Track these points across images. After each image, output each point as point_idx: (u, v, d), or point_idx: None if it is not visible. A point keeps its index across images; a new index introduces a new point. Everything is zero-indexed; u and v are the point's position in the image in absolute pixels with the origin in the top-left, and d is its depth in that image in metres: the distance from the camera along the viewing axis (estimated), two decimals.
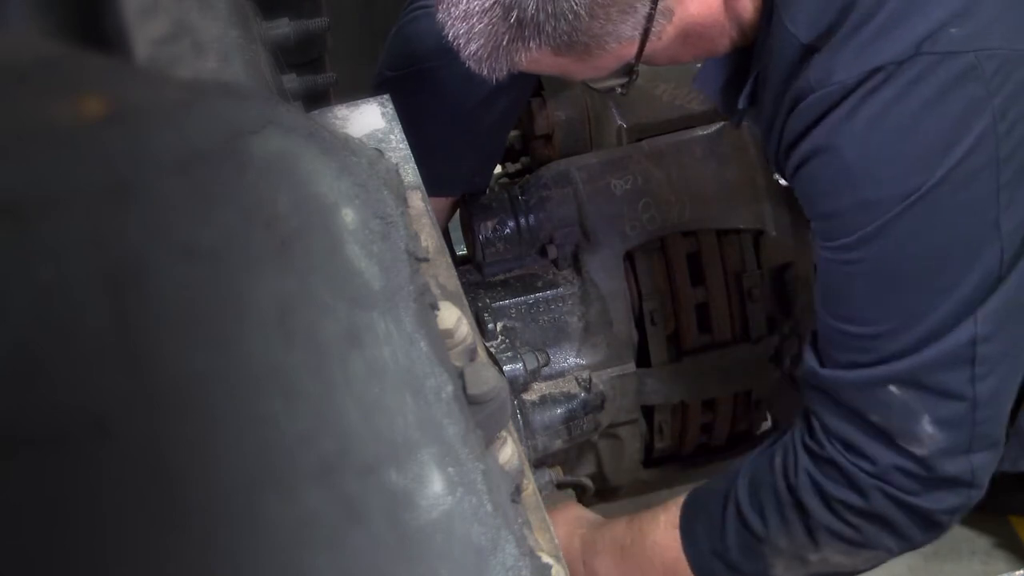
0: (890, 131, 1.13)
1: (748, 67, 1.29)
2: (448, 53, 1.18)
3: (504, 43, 1.13)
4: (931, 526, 1.31)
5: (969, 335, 1.18)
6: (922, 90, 1.11)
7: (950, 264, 1.17)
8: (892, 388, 1.21)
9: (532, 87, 1.79)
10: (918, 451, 1.23)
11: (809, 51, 1.17)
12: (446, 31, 1.15)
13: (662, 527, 1.44)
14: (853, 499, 1.28)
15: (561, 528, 1.52)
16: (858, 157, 1.14)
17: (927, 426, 1.22)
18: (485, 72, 1.17)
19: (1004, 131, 1.11)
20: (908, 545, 1.34)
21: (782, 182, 1.62)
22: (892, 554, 1.36)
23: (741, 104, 1.30)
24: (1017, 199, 1.15)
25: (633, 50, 1.19)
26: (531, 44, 1.13)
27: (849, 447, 1.27)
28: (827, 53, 1.15)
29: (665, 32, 1.20)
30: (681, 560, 1.41)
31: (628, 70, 1.24)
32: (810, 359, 1.29)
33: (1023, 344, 1.23)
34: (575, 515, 1.58)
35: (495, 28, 1.12)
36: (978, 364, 1.19)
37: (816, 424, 1.29)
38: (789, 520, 1.32)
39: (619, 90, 1.30)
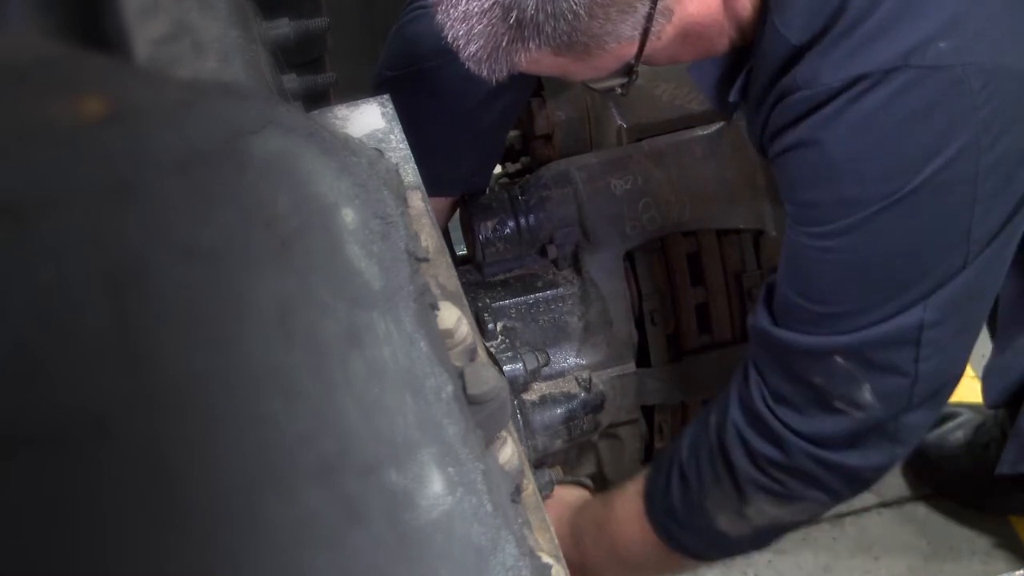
0: (876, 135, 1.15)
1: (742, 64, 1.30)
2: (448, 53, 1.19)
3: (504, 44, 1.13)
4: (857, 480, 1.36)
5: (917, 320, 1.22)
6: (909, 101, 1.13)
7: (916, 263, 1.21)
8: (837, 358, 1.25)
9: (532, 87, 1.79)
10: (855, 414, 1.28)
11: (799, 52, 1.18)
12: (445, 32, 1.16)
13: (630, 496, 1.50)
14: (776, 455, 1.32)
15: (549, 512, 1.54)
16: (843, 155, 1.17)
17: (867, 395, 1.26)
18: (485, 73, 1.17)
19: (987, 144, 1.14)
20: (838, 498, 1.38)
21: None
22: (826, 506, 1.41)
23: (732, 97, 1.32)
24: (992, 211, 1.18)
25: (633, 50, 1.20)
26: (531, 45, 1.14)
27: (780, 400, 1.31)
28: (816, 55, 1.17)
29: (664, 32, 1.20)
30: (645, 524, 1.47)
31: (628, 70, 1.24)
32: (763, 316, 1.32)
33: (971, 329, 1.29)
34: (558, 500, 1.61)
35: (494, 29, 1.12)
36: (923, 346, 1.23)
37: (753, 376, 1.33)
38: (719, 474, 1.37)
39: (619, 90, 1.31)
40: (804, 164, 1.20)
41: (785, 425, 1.31)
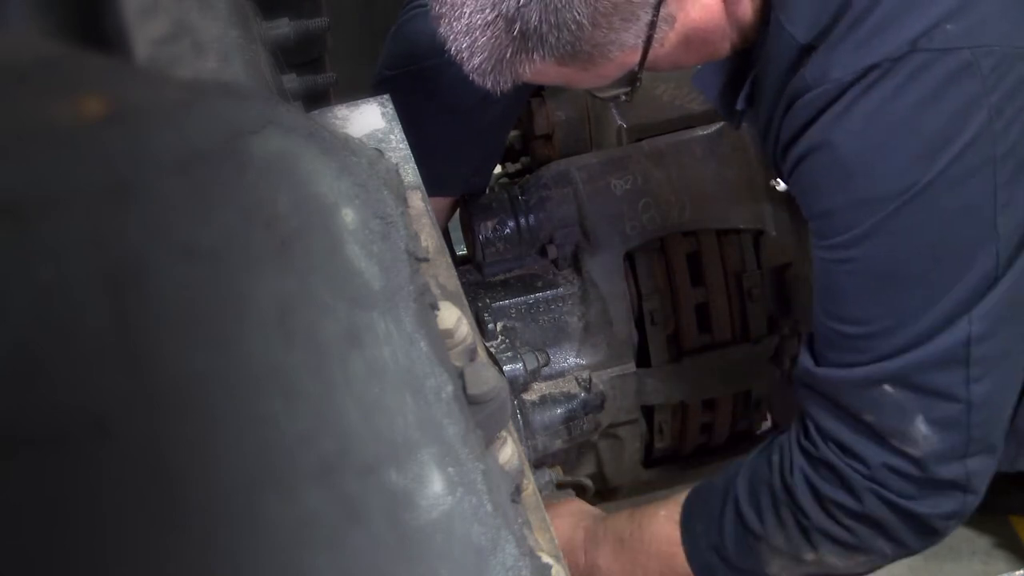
0: (886, 127, 1.13)
1: (746, 69, 1.29)
2: (446, 52, 1.18)
3: (508, 56, 1.13)
4: (926, 531, 1.30)
5: (964, 335, 1.17)
6: (918, 86, 1.11)
7: (945, 263, 1.16)
8: (886, 387, 1.21)
9: (532, 87, 1.79)
10: (912, 452, 1.23)
11: (807, 51, 1.17)
12: (448, 45, 1.15)
13: (661, 521, 1.45)
14: (847, 501, 1.27)
15: (564, 520, 1.53)
16: (854, 152, 1.14)
17: (921, 426, 1.21)
18: (489, 85, 1.16)
19: (1001, 128, 1.11)
20: (903, 550, 1.33)
21: (780, 187, 1.62)
22: (887, 559, 1.35)
23: (740, 105, 1.30)
24: (1015, 198, 1.14)
25: (636, 57, 1.19)
26: (535, 56, 1.13)
27: (843, 448, 1.26)
28: (824, 51, 1.15)
29: (667, 38, 1.20)
30: (678, 554, 1.41)
31: (632, 78, 1.24)
32: (805, 359, 1.29)
33: (1020, 346, 1.23)
34: (578, 508, 1.58)
35: (498, 41, 1.12)
36: (972, 365, 1.18)
37: (810, 424, 1.29)
38: (784, 520, 1.32)
39: (623, 97, 1.30)
40: (816, 171, 1.18)
41: (854, 470, 1.26)
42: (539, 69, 1.16)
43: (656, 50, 1.19)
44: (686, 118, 1.77)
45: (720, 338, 1.71)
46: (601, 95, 1.31)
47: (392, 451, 0.51)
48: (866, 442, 1.25)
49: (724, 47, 1.28)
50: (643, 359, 1.70)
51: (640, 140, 1.77)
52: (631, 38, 1.16)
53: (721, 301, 1.69)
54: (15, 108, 0.53)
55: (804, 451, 1.30)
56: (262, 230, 0.52)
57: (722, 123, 1.72)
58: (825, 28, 1.15)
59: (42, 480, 0.46)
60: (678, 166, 1.69)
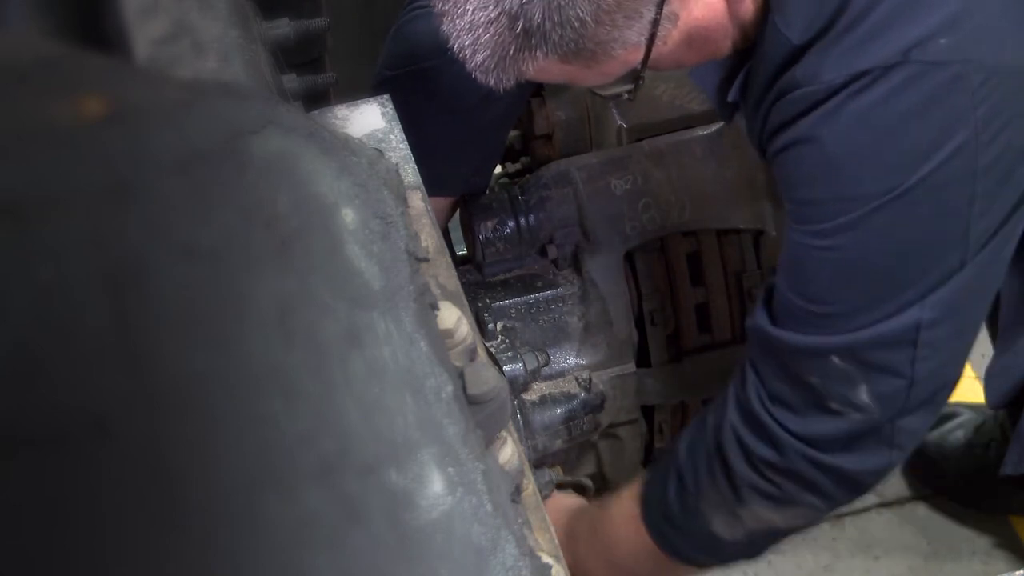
0: (874, 131, 1.15)
1: (743, 66, 1.30)
2: (447, 52, 1.19)
3: (511, 53, 1.13)
4: (852, 486, 1.36)
5: (915, 320, 1.22)
6: (908, 96, 1.13)
7: (913, 262, 1.21)
8: (834, 358, 1.25)
9: (533, 87, 1.79)
10: (850, 414, 1.28)
11: (800, 51, 1.19)
12: (452, 43, 1.15)
13: (624, 500, 1.50)
14: (772, 456, 1.32)
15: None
16: (840, 152, 1.17)
17: (863, 396, 1.26)
18: (492, 82, 1.17)
19: (986, 142, 1.14)
20: (833, 503, 1.38)
21: None
22: (820, 512, 1.40)
23: (731, 97, 1.31)
24: (991, 209, 1.18)
25: (639, 56, 1.20)
26: (538, 53, 1.13)
27: (776, 401, 1.31)
28: (817, 52, 1.17)
29: (671, 37, 1.20)
30: (640, 528, 1.47)
31: (634, 76, 1.24)
32: (761, 316, 1.32)
33: (968, 330, 1.28)
34: (556, 506, 1.60)
35: (501, 38, 1.12)
36: (920, 347, 1.23)
37: (750, 377, 1.33)
38: (716, 475, 1.37)
39: (626, 96, 1.30)
40: (802, 161, 1.20)
41: (781, 426, 1.31)
42: (542, 67, 1.16)
43: (659, 48, 1.20)
44: (686, 118, 1.77)
45: (720, 338, 1.71)
46: (603, 93, 1.32)
47: (392, 451, 0.51)
48: (804, 402, 1.29)
49: (726, 46, 1.29)
50: (643, 359, 1.70)
51: (640, 140, 1.77)
52: (634, 36, 1.16)
53: (721, 301, 1.70)
54: (15, 108, 0.53)
55: (738, 403, 1.34)
56: (262, 230, 0.52)
57: (722, 123, 1.72)
58: (820, 31, 1.17)
59: (42, 480, 0.46)
60: (678, 166, 1.69)
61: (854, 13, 1.14)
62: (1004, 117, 1.13)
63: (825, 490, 1.34)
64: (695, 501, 1.41)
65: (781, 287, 1.29)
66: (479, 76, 1.17)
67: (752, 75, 1.27)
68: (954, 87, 1.12)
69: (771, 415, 1.31)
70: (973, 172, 1.15)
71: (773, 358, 1.31)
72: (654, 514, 1.45)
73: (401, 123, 1.00)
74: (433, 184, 1.02)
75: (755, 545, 1.47)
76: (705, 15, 1.22)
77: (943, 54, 1.12)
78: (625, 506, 1.49)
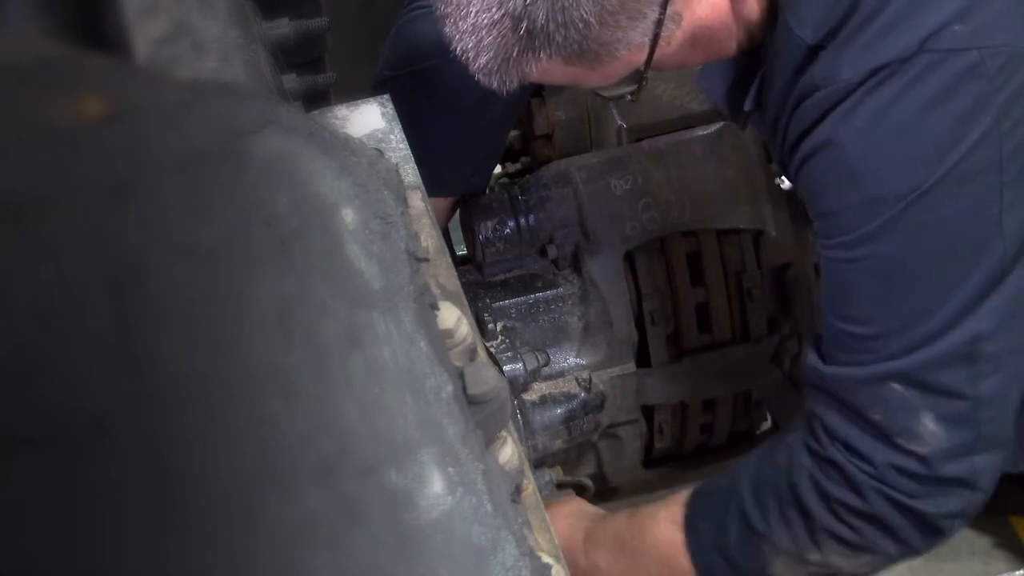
0: (893, 127, 1.13)
1: (754, 69, 1.29)
2: (447, 52, 1.18)
3: (514, 55, 1.13)
4: (931, 531, 1.30)
5: (970, 333, 1.17)
6: (925, 87, 1.11)
7: (952, 262, 1.17)
8: (893, 385, 1.21)
9: (533, 87, 1.79)
10: (919, 450, 1.23)
11: (815, 51, 1.17)
12: (454, 45, 1.15)
13: (662, 522, 1.44)
14: (852, 500, 1.27)
15: (563, 520, 1.52)
16: (861, 153, 1.15)
17: (928, 423, 1.21)
18: (495, 85, 1.16)
19: (1007, 129, 1.11)
20: (908, 550, 1.32)
21: (785, 185, 1.62)
22: (892, 560, 1.35)
23: (748, 106, 1.30)
24: (1020, 197, 1.15)
25: (643, 56, 1.19)
26: (541, 55, 1.13)
27: (848, 447, 1.26)
28: (832, 52, 1.15)
29: (674, 37, 1.19)
30: (679, 555, 1.41)
31: (638, 77, 1.23)
32: (813, 357, 1.28)
33: None
34: (577, 508, 1.57)
35: (504, 40, 1.12)
36: (980, 362, 1.19)
37: (817, 424, 1.29)
38: (790, 519, 1.32)
39: (629, 97, 1.30)
40: (823, 169, 1.18)
41: (860, 469, 1.25)
42: (545, 68, 1.16)
43: (663, 48, 1.19)
44: (686, 118, 1.77)
45: (720, 338, 1.71)
46: (607, 94, 1.31)
47: (392, 451, 0.51)
48: (872, 441, 1.25)
49: (730, 46, 1.28)
50: (643, 359, 1.70)
51: (640, 140, 1.77)
52: (638, 36, 1.16)
53: (721, 301, 1.69)
54: (15, 108, 0.53)
55: (810, 450, 1.30)
56: (262, 230, 0.52)
57: (722, 123, 1.72)
58: (833, 29, 1.15)
59: (42, 480, 0.46)
60: (678, 166, 1.69)
61: (867, 9, 1.13)
62: (1023, 105, 1.11)
63: (903, 535, 1.29)
64: (760, 542, 1.35)
65: (826, 318, 1.26)
66: (482, 79, 1.16)
67: (767, 81, 1.26)
68: (971, 74, 1.10)
69: (847, 459, 1.26)
70: (999, 160, 1.12)
71: (834, 400, 1.27)
72: (704, 547, 1.39)
73: (401, 123, 1.00)
74: (433, 184, 1.02)
75: None
76: (709, 15, 1.21)
77: (958, 41, 1.10)
78: (664, 530, 1.43)
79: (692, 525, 1.41)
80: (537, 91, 1.86)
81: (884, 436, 1.24)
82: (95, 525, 0.47)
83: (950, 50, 1.10)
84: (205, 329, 0.49)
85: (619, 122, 1.78)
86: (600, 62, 1.17)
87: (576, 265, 1.68)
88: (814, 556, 1.33)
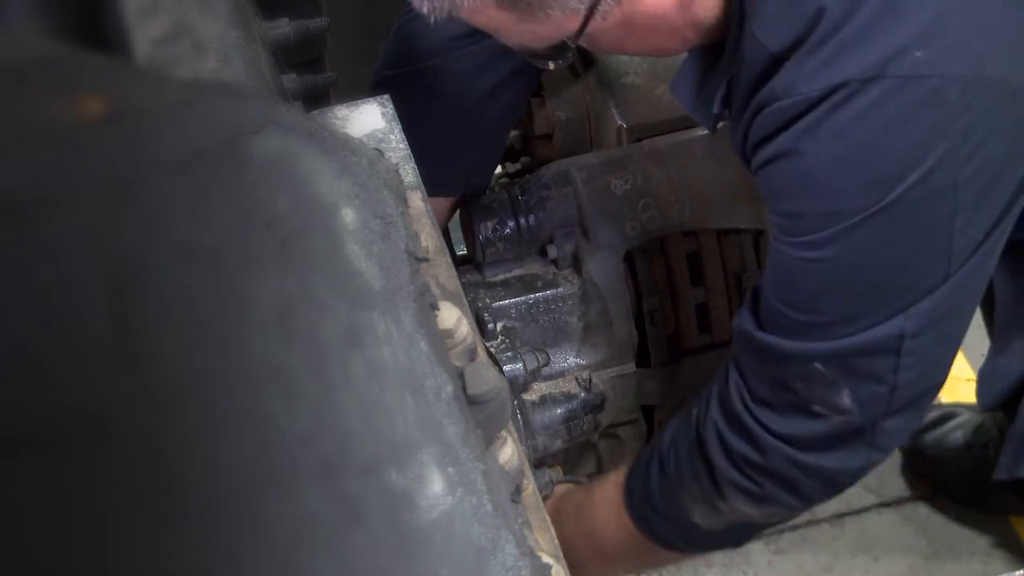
0: (853, 147, 1.14)
1: (715, 69, 1.29)
2: (448, 52, 1.18)
3: None
4: (832, 486, 1.37)
5: (898, 330, 1.22)
6: (885, 111, 1.12)
7: (898, 276, 1.21)
8: (818, 365, 1.25)
9: (533, 87, 1.79)
10: (832, 417, 1.28)
11: (778, 60, 1.17)
12: None
13: (608, 486, 1.52)
14: (753, 456, 1.33)
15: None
16: (821, 167, 1.16)
17: (846, 400, 1.27)
18: (426, 9, 1.14)
19: (965, 155, 1.13)
20: (811, 502, 1.39)
21: None
22: (796, 511, 1.42)
23: (716, 108, 1.31)
24: (974, 222, 1.18)
25: (576, 24, 1.17)
26: None
27: (758, 401, 1.31)
28: (794, 64, 1.16)
29: (612, 14, 1.18)
30: (622, 512, 1.49)
31: (564, 48, 1.22)
32: (747, 319, 1.32)
33: (952, 337, 1.28)
34: (558, 491, 1.61)
35: None
36: (903, 356, 1.24)
37: (734, 377, 1.34)
38: (697, 470, 1.39)
39: (551, 66, 1.28)
40: (785, 175, 1.20)
41: (763, 426, 1.32)
42: (476, 6, 1.14)
43: (598, 23, 1.18)
44: (686, 118, 1.77)
45: (720, 338, 1.71)
46: (530, 59, 1.28)
47: (392, 451, 0.51)
48: (787, 404, 1.30)
49: (674, 44, 1.27)
50: (643, 359, 1.70)
51: (640, 140, 1.77)
52: (575, 1, 1.15)
53: (721, 301, 1.69)
54: (15, 108, 0.53)
55: (721, 402, 1.35)
56: (262, 230, 0.52)
57: (722, 123, 1.72)
58: (796, 40, 1.15)
59: (42, 480, 0.46)
60: (678, 166, 1.69)
61: (830, 23, 1.13)
62: (983, 131, 1.13)
63: (804, 490, 1.36)
64: (677, 490, 1.43)
65: (767, 293, 1.29)
66: (414, 1, 1.15)
67: (734, 85, 1.26)
68: (931, 101, 1.11)
69: (753, 415, 1.32)
70: (954, 186, 1.14)
71: (756, 360, 1.32)
72: (636, 500, 1.48)
73: (401, 123, 1.00)
74: (433, 184, 1.02)
75: (734, 536, 1.49)
76: (653, 5, 1.20)
77: (920, 68, 1.11)
78: (608, 491, 1.52)
79: (627, 482, 1.49)
80: (537, 91, 1.87)
81: (799, 401, 1.29)
82: (95, 525, 0.47)
83: (910, 76, 1.11)
84: (205, 329, 0.50)
85: (619, 122, 1.78)
86: (532, 16, 1.15)
87: (576, 265, 1.68)
88: (722, 504, 1.40)
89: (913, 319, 1.21)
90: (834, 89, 1.13)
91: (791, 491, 1.36)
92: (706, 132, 1.72)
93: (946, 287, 1.21)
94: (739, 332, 1.34)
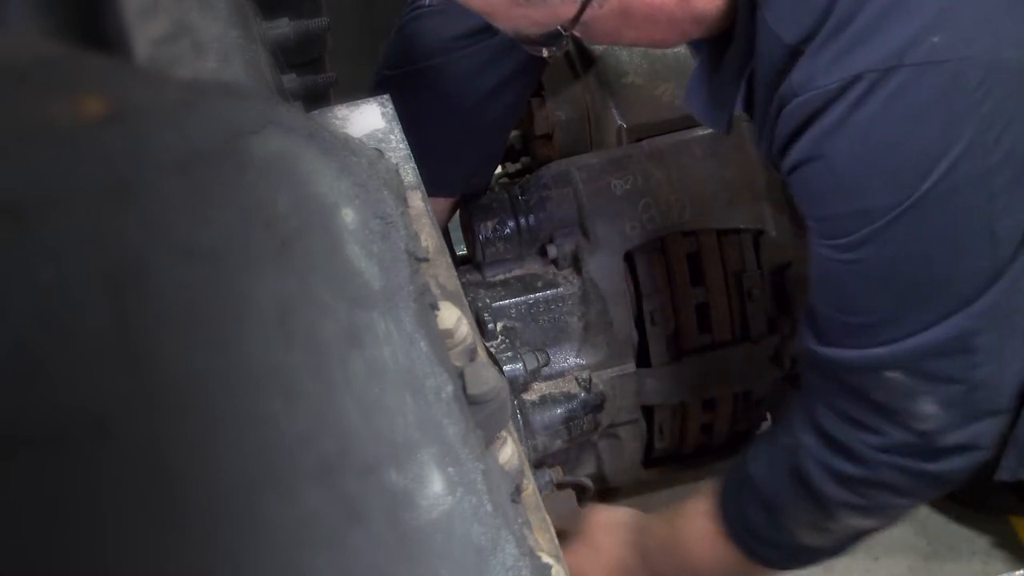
0: (878, 143, 1.13)
1: (724, 65, 1.27)
2: (449, 52, 1.18)
3: None
4: (940, 485, 1.34)
5: (962, 328, 1.19)
6: (907, 101, 1.11)
7: (940, 268, 1.19)
8: (889, 373, 1.23)
9: (534, 87, 1.79)
10: (920, 427, 1.26)
11: (794, 53, 1.16)
12: None
13: (699, 518, 1.48)
14: (859, 472, 1.30)
15: (609, 537, 1.56)
16: (849, 167, 1.15)
17: (927, 406, 1.24)
18: None
19: (991, 141, 1.11)
20: (920, 501, 1.39)
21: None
22: (908, 509, 1.41)
23: (738, 109, 1.29)
24: (1013, 204, 1.15)
25: (572, 11, 1.16)
26: None
27: (851, 421, 1.29)
28: (808, 56, 1.14)
29: (609, 2, 1.17)
30: (722, 543, 1.45)
31: (559, 36, 1.20)
32: (808, 338, 1.30)
33: (1021, 331, 1.24)
34: (614, 522, 1.58)
35: None
36: (975, 353, 1.21)
37: (818, 403, 1.31)
38: (800, 496, 1.36)
39: (545, 53, 1.26)
40: (814, 180, 1.19)
41: (861, 441, 1.29)
42: None
43: (594, 10, 1.16)
44: (686, 118, 1.77)
45: (720, 338, 1.71)
46: (523, 45, 1.27)
47: (392, 451, 0.51)
48: (875, 416, 1.27)
49: (671, 37, 1.26)
50: (643, 359, 1.70)
51: (640, 140, 1.77)
52: None
53: (721, 301, 1.69)
54: (15, 108, 0.53)
55: (814, 429, 1.32)
56: (262, 230, 0.52)
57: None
58: (810, 31, 1.14)
59: (42, 480, 0.46)
60: (678, 166, 1.69)
61: (842, 12, 1.12)
62: (1006, 116, 1.11)
63: (913, 493, 1.34)
64: (780, 519, 1.39)
65: (817, 303, 1.27)
66: None
67: (754, 84, 1.25)
68: (952, 87, 1.10)
69: (850, 434, 1.29)
70: (986, 171, 1.12)
71: (830, 379, 1.29)
72: (738, 531, 1.44)
73: (401, 123, 1.00)
74: (433, 184, 1.01)
75: (843, 546, 1.47)
76: None
77: (938, 53, 1.09)
78: (700, 524, 1.48)
79: (724, 514, 1.45)
80: (537, 91, 1.87)
81: (885, 413, 1.26)
82: (95, 525, 0.47)
83: (929, 63, 1.09)
84: (205, 329, 0.50)
85: (619, 122, 1.78)
86: (528, 0, 1.14)
87: (576, 265, 1.68)
88: (832, 525, 1.38)
89: (976, 318, 1.18)
90: (852, 81, 1.11)
91: (902, 495, 1.34)
92: (706, 132, 1.72)
93: (1003, 281, 1.18)
94: (804, 352, 1.31)
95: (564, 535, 1.54)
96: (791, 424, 1.36)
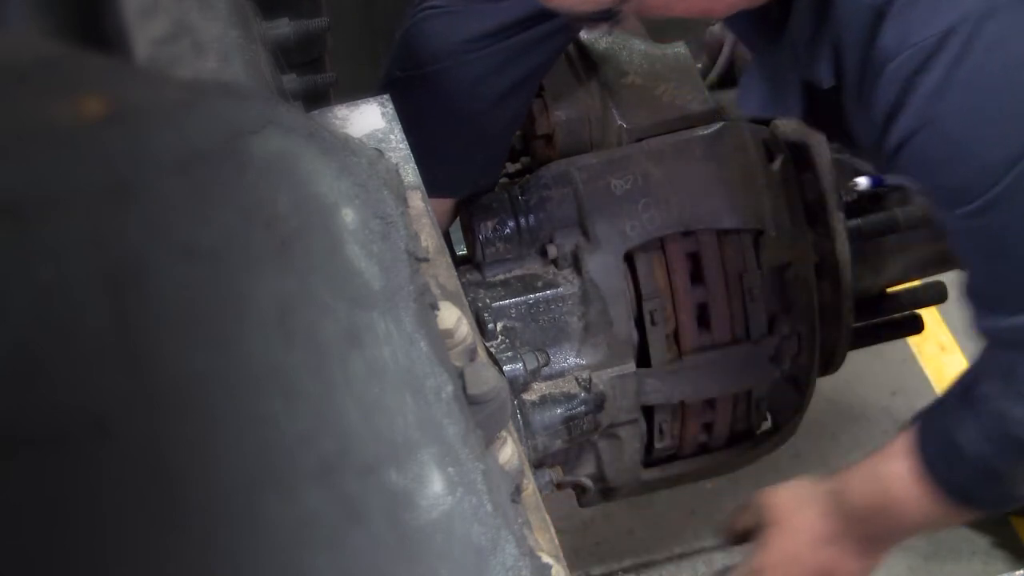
0: (985, 95, 1.11)
1: (782, 38, 1.24)
2: (460, 55, 1.17)
3: None
4: None
5: None
6: (1008, 46, 1.08)
7: None
8: None
9: (537, 87, 1.79)
10: None
11: (879, 13, 1.13)
12: None
13: (907, 480, 1.39)
14: None
15: (802, 515, 1.49)
16: (960, 127, 1.13)
17: None
18: None
19: None
20: None
21: (861, 183, 1.60)
22: None
23: (826, 83, 1.24)
24: None
25: None
26: None
27: None
28: (896, 14, 1.12)
29: None
30: (932, 496, 1.37)
31: (612, 13, 1.18)
32: (981, 317, 1.26)
33: None
34: (798, 497, 1.51)
35: None
36: None
37: (1018, 373, 1.26)
38: (1022, 460, 1.32)
39: (597, 29, 1.25)
40: (926, 149, 1.16)
41: None
42: None
43: None
44: (686, 118, 1.77)
45: (720, 338, 1.71)
46: (574, 22, 1.25)
47: (392, 451, 0.51)
48: None
49: (720, 6, 1.24)
50: (643, 359, 1.70)
51: (640, 140, 1.77)
52: None
53: (721, 301, 1.69)
54: (15, 108, 0.53)
55: (1021, 397, 1.27)
56: (262, 230, 0.52)
57: (722, 123, 1.72)
58: None
59: (42, 480, 0.46)
60: (678, 166, 1.69)
61: None
62: None
63: None
64: (999, 479, 1.35)
65: (977, 281, 1.24)
66: None
67: (840, 51, 1.21)
68: None
69: None
70: None
71: (1021, 349, 1.25)
72: (954, 489, 1.36)
73: (411, 124, 0.99)
74: (441, 185, 1.01)
75: None
76: None
77: None
78: (909, 485, 1.37)
79: (932, 473, 1.37)
80: (538, 92, 1.87)
81: None
82: (95, 525, 0.47)
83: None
84: (205, 329, 0.50)
85: (619, 122, 1.78)
86: None
87: (576, 265, 1.68)
88: None
89: None
90: (947, 34, 1.08)
91: None
92: (706, 132, 1.72)
93: None
94: (986, 332, 1.27)
95: (751, 534, 1.51)
96: (988, 396, 1.30)
